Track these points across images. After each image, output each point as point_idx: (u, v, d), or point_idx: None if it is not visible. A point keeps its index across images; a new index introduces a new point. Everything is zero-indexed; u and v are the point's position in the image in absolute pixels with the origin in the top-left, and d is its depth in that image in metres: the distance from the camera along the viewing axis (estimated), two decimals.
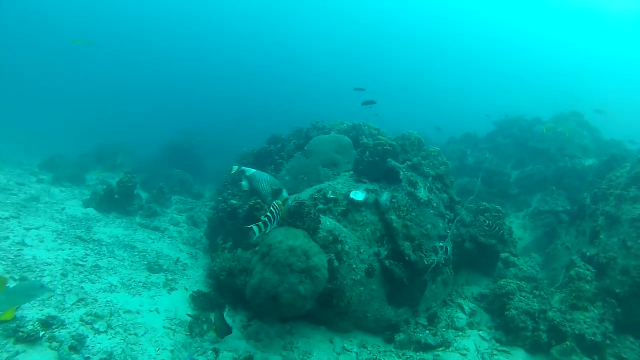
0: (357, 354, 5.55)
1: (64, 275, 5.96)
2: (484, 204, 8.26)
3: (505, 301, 6.63)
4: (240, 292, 6.29)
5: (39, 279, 5.67)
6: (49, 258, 6.37)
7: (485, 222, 7.18)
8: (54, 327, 4.67)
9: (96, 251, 7.23)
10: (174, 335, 5.34)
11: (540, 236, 9.94)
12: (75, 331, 4.72)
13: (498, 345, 6.14)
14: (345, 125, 9.63)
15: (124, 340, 4.91)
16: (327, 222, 5.86)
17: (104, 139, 18.93)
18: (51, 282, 5.68)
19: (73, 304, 5.29)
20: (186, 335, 5.43)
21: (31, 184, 10.96)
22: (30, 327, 4.38)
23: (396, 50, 51.83)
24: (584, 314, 6.37)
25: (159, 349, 4.92)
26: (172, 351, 4.97)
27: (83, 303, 5.39)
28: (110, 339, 4.84)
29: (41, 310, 4.91)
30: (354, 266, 5.86)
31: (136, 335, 5.10)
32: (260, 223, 4.68)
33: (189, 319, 5.80)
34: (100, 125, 25.42)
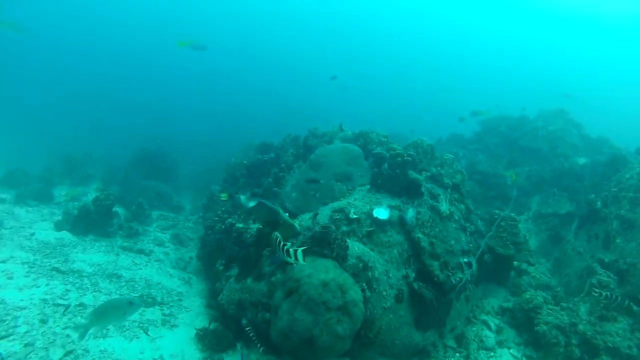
0: None
1: (44, 322, 5.03)
2: (497, 211, 7.89)
3: (533, 315, 6.28)
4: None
5: (11, 329, 4.72)
6: (21, 300, 5.40)
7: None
8: None
9: (77, 285, 6.27)
10: None
11: (545, 240, 9.71)
12: None
13: None
14: (349, 133, 8.92)
15: None
16: (355, 246, 5.20)
17: (68, 148, 17.30)
18: (27, 332, 4.75)
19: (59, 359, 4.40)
20: None
21: None
22: None
23: (374, 52, 51.73)
24: (614, 325, 6.11)
25: None
26: None
27: (72, 356, 4.51)
28: None
29: None
30: (384, 293, 5.25)
31: None
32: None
33: None
34: (62, 133, 23.43)
